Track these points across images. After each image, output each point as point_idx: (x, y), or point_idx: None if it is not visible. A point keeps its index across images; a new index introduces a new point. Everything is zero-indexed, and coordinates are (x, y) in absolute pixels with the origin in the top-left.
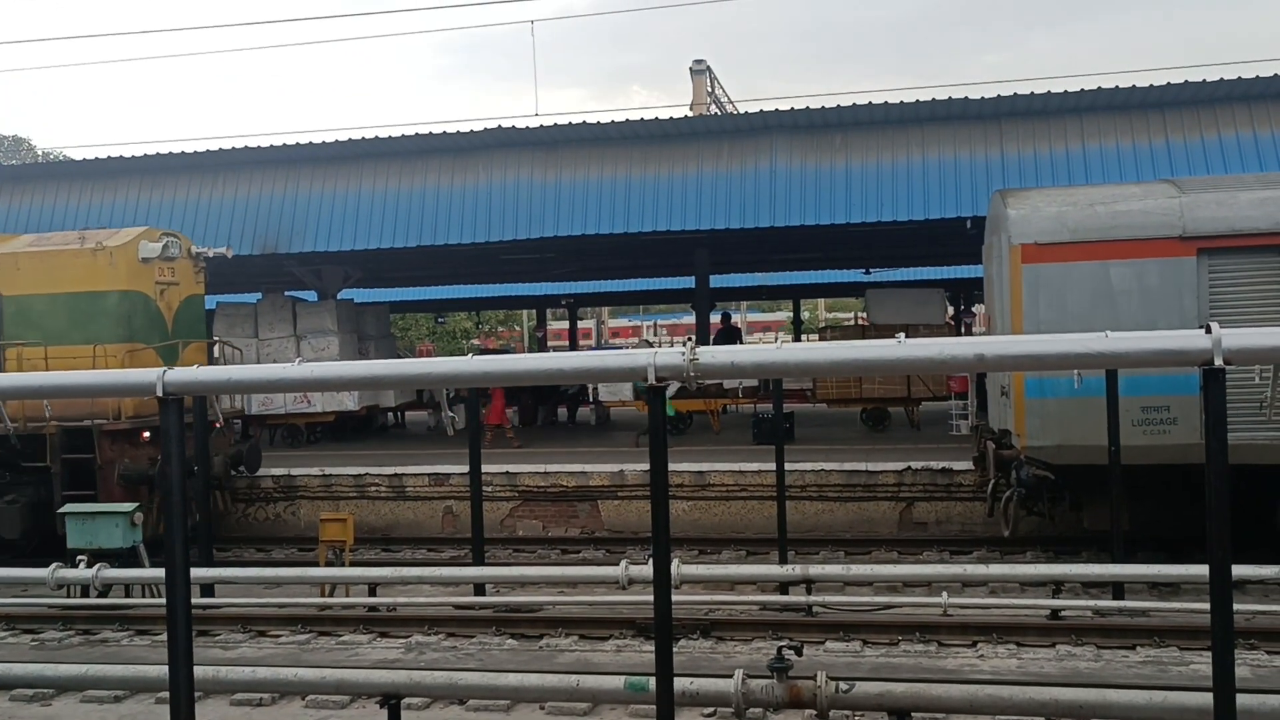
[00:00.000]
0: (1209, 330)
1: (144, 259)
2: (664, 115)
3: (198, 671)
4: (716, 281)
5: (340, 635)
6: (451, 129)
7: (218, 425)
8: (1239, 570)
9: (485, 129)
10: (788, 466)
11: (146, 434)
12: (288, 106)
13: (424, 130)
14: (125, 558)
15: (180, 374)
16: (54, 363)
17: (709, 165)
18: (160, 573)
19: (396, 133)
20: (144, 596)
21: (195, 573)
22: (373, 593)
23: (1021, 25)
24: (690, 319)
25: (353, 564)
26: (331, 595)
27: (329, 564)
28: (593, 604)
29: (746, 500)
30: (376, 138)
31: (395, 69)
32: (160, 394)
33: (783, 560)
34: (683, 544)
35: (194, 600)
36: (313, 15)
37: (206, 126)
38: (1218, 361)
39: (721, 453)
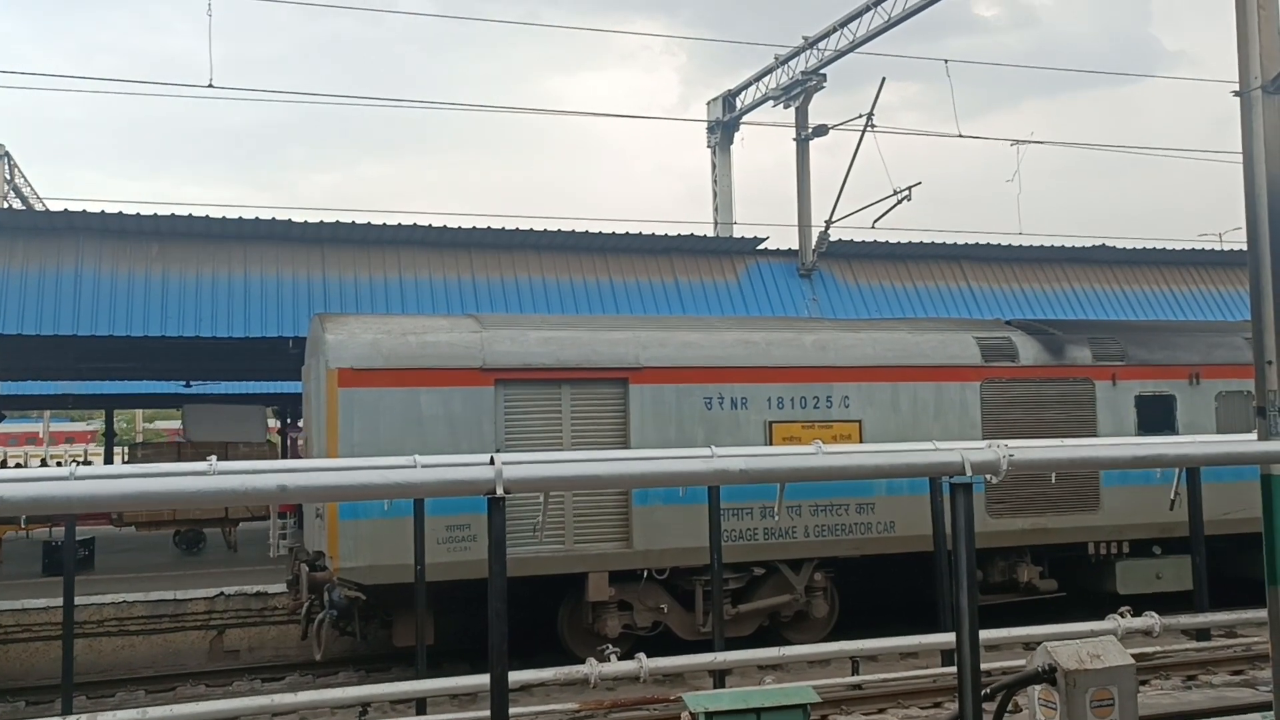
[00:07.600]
0: (492, 461)
1: None
2: None
3: None
4: (10, 389)
5: None
6: None
7: None
8: (516, 676)
9: None
10: (83, 600)
11: None
12: None
13: None
14: None
15: None
16: None
17: None
18: None
19: None
20: None
21: None
22: None
23: (354, 152)
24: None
25: None
26: None
27: None
28: None
29: (29, 642)
30: None
31: None
32: None
33: (66, 710)
34: None
35: None
36: None
37: None
38: (499, 491)
39: None
